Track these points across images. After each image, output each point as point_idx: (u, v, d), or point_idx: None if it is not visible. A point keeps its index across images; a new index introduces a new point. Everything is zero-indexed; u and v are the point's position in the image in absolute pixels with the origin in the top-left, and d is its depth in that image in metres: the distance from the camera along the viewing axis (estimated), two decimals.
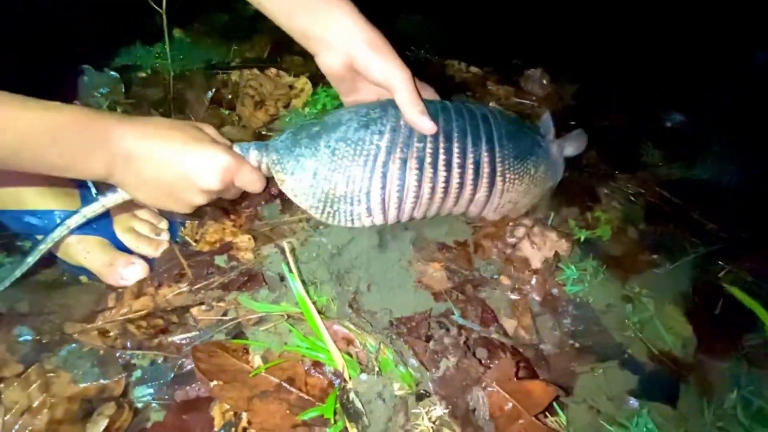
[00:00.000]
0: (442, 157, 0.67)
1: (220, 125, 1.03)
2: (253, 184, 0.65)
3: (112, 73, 1.05)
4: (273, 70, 1.29)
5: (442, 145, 0.67)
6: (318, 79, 1.38)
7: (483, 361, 0.59)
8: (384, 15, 1.97)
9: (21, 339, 0.55)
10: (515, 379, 0.55)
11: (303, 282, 0.70)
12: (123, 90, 1.04)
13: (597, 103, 1.37)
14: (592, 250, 0.85)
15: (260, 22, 1.78)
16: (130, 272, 0.68)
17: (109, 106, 1.01)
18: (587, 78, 1.50)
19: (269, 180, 0.72)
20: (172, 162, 0.57)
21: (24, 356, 0.54)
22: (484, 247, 0.80)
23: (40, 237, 0.62)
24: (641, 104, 1.37)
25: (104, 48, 1.36)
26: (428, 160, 0.66)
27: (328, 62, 0.66)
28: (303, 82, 1.23)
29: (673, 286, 0.80)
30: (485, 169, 0.70)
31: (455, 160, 0.68)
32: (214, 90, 1.06)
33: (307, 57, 1.54)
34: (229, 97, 1.11)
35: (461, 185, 0.70)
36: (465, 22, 1.96)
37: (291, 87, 1.23)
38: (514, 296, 0.74)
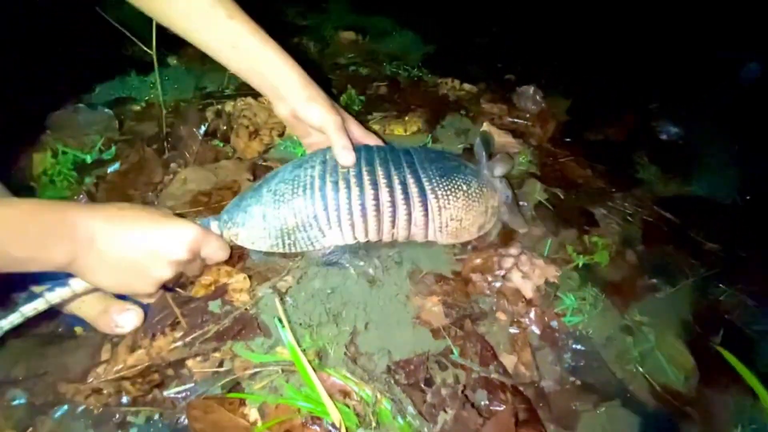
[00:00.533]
0: (366, 177, 0.72)
1: (214, 159, 1.02)
2: (218, 252, 0.70)
3: (106, 110, 1.05)
4: (266, 98, 1.29)
5: (365, 168, 0.72)
6: None
7: (482, 409, 0.58)
8: (377, 32, 1.97)
9: (15, 403, 0.54)
10: (514, 429, 0.54)
11: (300, 325, 0.69)
12: (117, 126, 1.04)
13: (591, 118, 1.36)
14: (591, 276, 0.84)
15: None
16: (125, 319, 0.67)
17: (104, 144, 1.00)
18: (580, 92, 1.49)
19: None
20: (140, 239, 0.60)
21: (18, 421, 0.53)
22: (473, 282, 0.79)
23: None
24: (636, 117, 1.36)
25: (99, 79, 1.37)
26: (353, 181, 0.72)
27: (280, 112, 0.78)
28: None
29: (674, 312, 0.79)
30: (413, 189, 0.74)
31: (380, 180, 0.72)
32: (207, 124, 1.05)
33: None
34: (224, 128, 1.11)
35: (392, 203, 0.73)
36: (457, 38, 1.96)
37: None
38: (513, 330, 0.73)
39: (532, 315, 0.74)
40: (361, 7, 2.10)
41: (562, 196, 1.02)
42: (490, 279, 0.79)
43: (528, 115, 1.31)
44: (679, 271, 0.87)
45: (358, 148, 0.74)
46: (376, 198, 0.72)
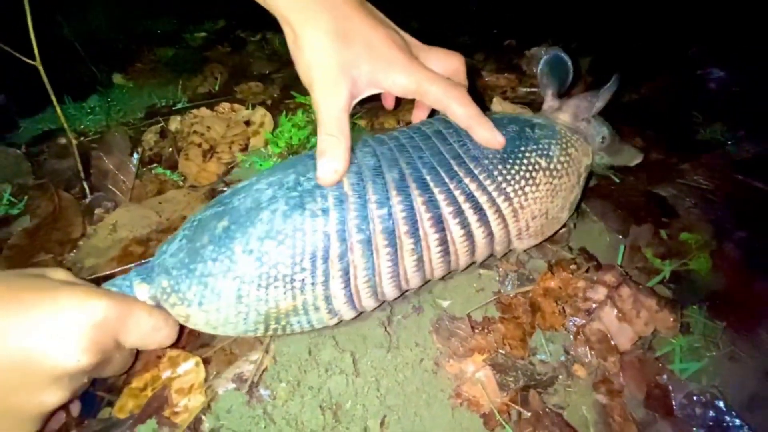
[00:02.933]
0: (425, 216, 0.45)
1: (158, 191, 0.77)
2: (155, 334, 0.41)
3: (11, 150, 0.79)
4: (225, 105, 1.02)
5: (417, 195, 0.45)
6: (280, 106, 1.12)
7: None
8: None
9: None
10: None
11: None
12: (30, 169, 0.78)
13: (619, 74, 1.09)
14: (688, 289, 0.58)
15: (211, 49, 1.52)
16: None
17: (15, 192, 0.75)
18: (599, 45, 1.21)
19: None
20: None
21: None
22: (544, 312, 0.53)
23: None
24: (674, 66, 1.08)
25: (27, 112, 1.11)
26: (403, 229, 0.44)
27: None
28: (261, 114, 0.96)
29: None
30: (480, 199, 0.48)
31: (445, 210, 0.46)
32: (141, 150, 0.79)
33: (267, 81, 1.27)
34: (169, 151, 0.85)
35: (468, 233, 0.48)
36: (443, 8, 1.68)
37: (248, 123, 0.96)
38: (600, 397, 0.47)
39: (625, 370, 0.48)
40: None
41: (616, 180, 0.75)
42: (568, 311, 0.52)
43: None
44: None
45: (375, 153, 0.48)
46: (443, 241, 0.47)
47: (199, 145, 0.86)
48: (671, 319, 0.49)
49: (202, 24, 1.62)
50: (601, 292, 0.51)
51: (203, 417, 0.45)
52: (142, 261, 0.62)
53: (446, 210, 0.46)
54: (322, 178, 0.43)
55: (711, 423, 0.43)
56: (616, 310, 0.49)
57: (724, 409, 0.43)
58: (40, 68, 0.65)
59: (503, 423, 0.45)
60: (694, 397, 0.44)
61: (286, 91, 1.18)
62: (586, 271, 0.54)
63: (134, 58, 1.42)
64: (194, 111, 0.98)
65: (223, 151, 0.87)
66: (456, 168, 0.47)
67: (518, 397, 0.47)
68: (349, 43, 0.43)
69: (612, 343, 0.48)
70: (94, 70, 1.28)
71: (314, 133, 0.93)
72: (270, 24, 1.74)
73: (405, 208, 0.45)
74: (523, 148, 0.50)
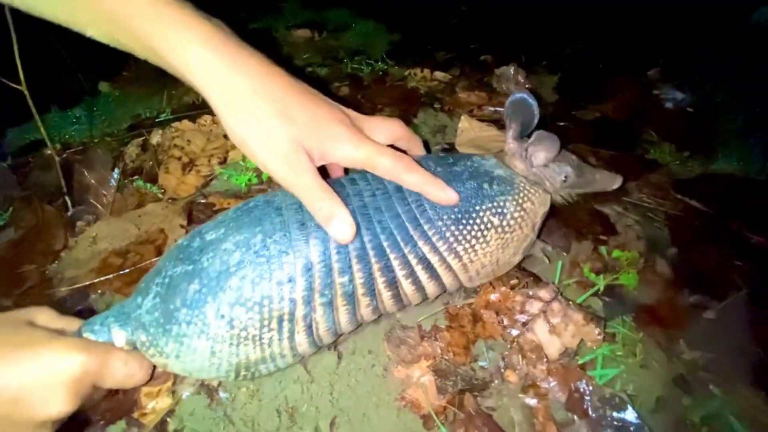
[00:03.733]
0: (380, 279, 0.50)
1: (138, 204, 0.81)
2: (129, 379, 0.45)
3: (0, 164, 0.83)
4: (207, 118, 1.06)
5: (374, 263, 0.49)
6: None
7: None
8: (335, 26, 1.73)
9: None
10: None
11: None
12: (15, 181, 0.82)
13: (583, 94, 1.15)
14: (618, 303, 0.63)
15: None
16: None
17: (0, 204, 0.79)
18: (566, 66, 1.27)
19: None
20: None
21: None
22: (485, 322, 0.59)
23: None
24: (633, 87, 1.14)
25: (13, 121, 1.14)
26: (360, 291, 0.49)
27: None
28: None
29: (732, 339, 0.59)
30: (432, 260, 0.51)
31: (400, 274, 0.50)
32: (122, 164, 0.83)
33: None
34: (150, 164, 0.89)
35: (419, 287, 0.53)
36: (424, 22, 1.73)
37: (227, 136, 1.01)
38: (529, 400, 0.53)
39: (551, 376, 0.54)
40: (316, 1, 1.86)
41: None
42: (506, 322, 0.58)
43: None
44: (726, 278, 0.67)
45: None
46: (395, 295, 0.52)
47: (179, 159, 0.90)
48: (596, 333, 0.54)
49: None
50: (535, 306, 0.57)
51: (168, 419, 0.50)
52: (120, 273, 0.66)
53: (399, 273, 0.50)
54: (344, 239, 0.46)
55: (618, 423, 0.49)
56: (547, 324, 0.54)
57: (631, 411, 0.49)
58: (26, 92, 0.69)
59: (439, 424, 0.50)
60: (607, 400, 0.50)
61: None
62: (524, 286, 0.60)
63: (121, 66, 1.45)
64: (176, 124, 1.02)
65: (202, 164, 0.91)
66: (412, 232, 0.50)
67: (455, 400, 0.53)
68: (293, 120, 0.45)
69: (542, 352, 0.54)
70: (81, 78, 1.31)
71: None
72: (256, 34, 1.78)
73: (363, 275, 0.48)
74: (477, 207, 0.52)
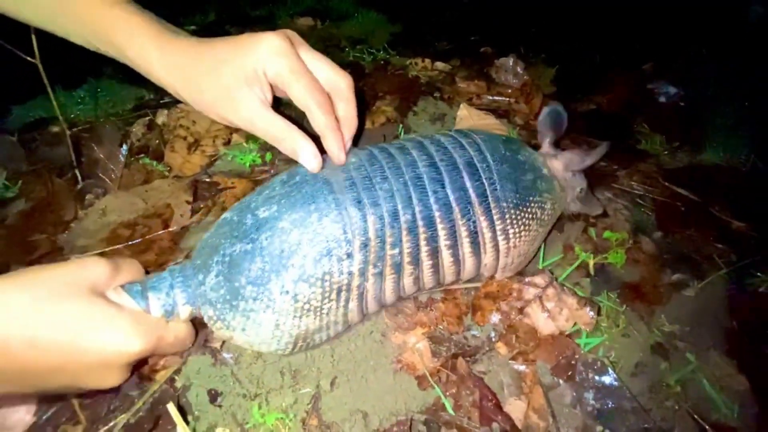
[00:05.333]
0: (424, 248, 0.52)
1: (145, 180, 0.83)
2: (177, 350, 0.50)
3: (7, 137, 0.85)
4: None
5: (422, 232, 0.51)
6: None
7: None
8: (338, 15, 1.74)
9: None
10: None
11: (244, 397, 0.52)
12: (23, 155, 0.84)
13: (579, 86, 1.18)
14: (605, 280, 0.67)
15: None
16: (13, 420, 0.49)
17: (9, 178, 0.81)
18: (564, 58, 1.30)
19: None
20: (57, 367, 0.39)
21: None
22: (483, 310, 0.61)
23: None
24: (629, 81, 1.18)
25: (19, 99, 1.16)
26: (407, 260, 0.52)
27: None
28: None
29: (710, 314, 0.62)
30: (485, 236, 0.55)
31: (443, 244, 0.53)
32: (130, 141, 0.85)
33: None
34: (156, 143, 0.91)
35: (456, 260, 0.55)
36: (426, 13, 1.75)
37: None
38: (517, 366, 0.57)
39: (539, 343, 0.57)
40: None
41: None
42: (504, 308, 0.61)
43: (510, 90, 1.13)
44: (707, 259, 0.71)
45: (401, 182, 0.50)
46: (435, 266, 0.54)
47: (185, 138, 0.92)
48: (589, 316, 0.58)
49: (192, 17, 1.66)
50: (531, 292, 0.60)
51: (175, 377, 0.53)
52: (129, 243, 0.69)
53: (443, 243, 0.53)
54: (313, 169, 0.49)
55: (599, 385, 0.52)
56: (542, 308, 0.58)
57: (612, 374, 0.53)
58: (40, 66, 0.71)
59: (433, 384, 0.54)
60: (590, 365, 0.54)
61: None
62: (521, 273, 0.63)
63: None
64: (181, 105, 1.04)
65: (207, 144, 0.94)
66: (477, 207, 0.52)
67: (448, 363, 0.56)
68: (228, 63, 0.47)
69: (536, 334, 0.57)
70: (85, 59, 1.33)
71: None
72: (258, 21, 1.79)
73: (411, 246, 0.51)
74: (531, 198, 0.56)
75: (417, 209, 0.50)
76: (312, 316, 0.49)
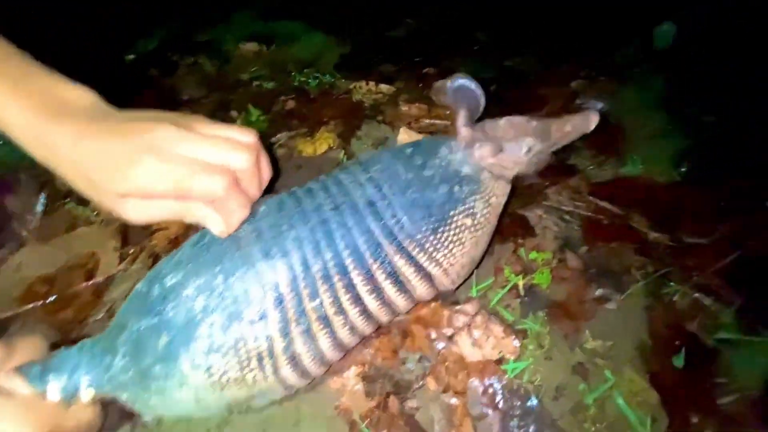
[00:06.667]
0: (344, 297, 0.49)
1: (69, 227, 0.78)
2: (84, 430, 0.45)
3: None
4: None
5: (337, 281, 0.48)
6: None
7: None
8: (285, 38, 1.73)
9: None
10: None
11: None
12: None
13: (514, 104, 1.22)
14: (533, 301, 0.69)
15: (140, 73, 1.50)
16: None
17: None
18: (500, 77, 1.35)
19: None
20: None
21: None
22: (414, 336, 0.61)
23: None
24: (560, 97, 1.23)
25: None
26: (331, 311, 0.48)
27: None
28: None
29: (629, 327, 0.65)
30: (406, 273, 0.51)
31: (363, 290, 0.50)
32: (51, 187, 0.80)
33: (196, 106, 1.29)
34: None
35: (384, 303, 0.52)
36: (373, 33, 1.77)
37: None
38: (448, 399, 0.57)
39: (468, 371, 0.58)
40: (268, 13, 1.86)
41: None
42: (434, 336, 0.60)
43: (448, 112, 1.15)
44: (627, 272, 0.74)
45: (305, 233, 0.47)
46: (364, 312, 0.51)
47: None
48: (513, 345, 0.59)
49: (132, 45, 1.60)
50: (461, 320, 0.61)
51: None
52: (46, 301, 0.64)
53: (363, 289, 0.49)
54: (222, 233, 0.45)
55: (523, 412, 0.53)
56: (470, 337, 0.58)
57: (534, 399, 0.54)
58: None
59: (363, 428, 0.53)
60: (514, 392, 0.55)
61: (214, 117, 1.21)
62: (453, 302, 0.64)
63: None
64: None
65: None
66: (386, 247, 0.49)
67: (381, 403, 0.55)
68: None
69: (464, 363, 0.57)
70: None
71: None
72: (203, 47, 1.75)
73: (331, 296, 0.48)
74: (452, 213, 0.52)
75: (327, 257, 0.47)
76: (236, 388, 0.45)
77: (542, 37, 1.50)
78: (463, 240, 0.53)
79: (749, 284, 0.68)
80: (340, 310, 0.49)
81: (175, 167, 0.43)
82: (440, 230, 0.51)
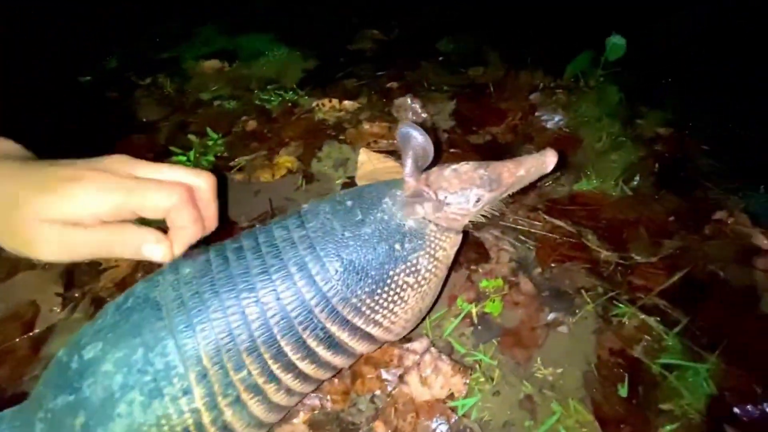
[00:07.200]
0: (275, 366, 0.46)
1: (9, 273, 0.74)
2: None
3: None
4: None
5: (264, 351, 0.45)
6: (163, 161, 1.11)
7: None
8: (249, 54, 1.68)
9: None
10: None
11: None
12: None
13: (476, 118, 1.22)
14: (487, 328, 0.68)
15: (98, 95, 1.43)
16: None
17: None
18: (462, 91, 1.34)
19: None
20: None
21: None
22: (364, 377, 0.59)
23: None
24: (517, 110, 1.23)
25: None
26: (261, 380, 0.46)
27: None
28: None
29: (579, 352, 0.65)
30: (341, 337, 0.49)
31: (294, 357, 0.47)
32: None
33: (153, 130, 1.24)
34: None
35: (321, 364, 0.50)
36: (338, 47, 1.74)
37: None
38: None
39: (417, 411, 0.57)
40: (232, 28, 1.81)
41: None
42: (384, 377, 0.59)
43: None
44: (578, 294, 0.74)
45: (214, 311, 0.44)
46: (300, 375, 0.48)
47: None
48: (461, 383, 0.58)
49: (89, 67, 1.53)
50: (410, 359, 0.59)
51: None
52: None
53: (294, 357, 0.47)
54: (163, 258, 0.45)
55: None
56: (419, 376, 0.57)
57: None
58: None
59: None
60: (461, 430, 0.54)
61: (172, 141, 1.17)
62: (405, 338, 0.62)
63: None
64: None
65: None
66: (317, 314, 0.47)
67: None
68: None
69: (414, 404, 0.56)
70: None
71: None
72: (163, 66, 1.69)
73: (259, 366, 0.45)
74: (391, 272, 0.49)
75: (253, 327, 0.44)
76: None
77: (503, 47, 1.50)
78: (405, 298, 0.50)
79: (694, 303, 0.69)
80: (272, 378, 0.46)
81: (123, 181, 0.42)
82: (378, 292, 0.48)
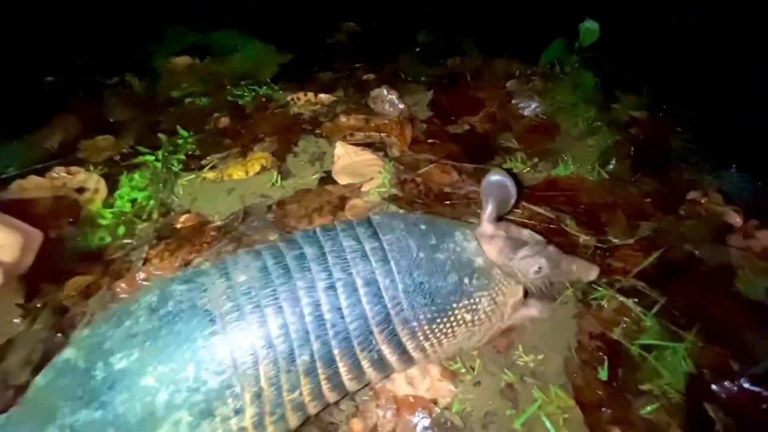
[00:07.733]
0: (325, 386, 0.45)
1: None
2: None
3: None
4: (60, 170, 0.94)
5: (321, 372, 0.44)
6: (129, 159, 1.05)
7: None
8: (222, 49, 1.62)
9: None
10: None
11: None
12: None
13: (453, 108, 1.20)
14: None
15: (66, 96, 1.35)
16: None
17: None
18: (440, 80, 1.32)
19: None
20: None
21: None
22: None
23: None
24: (495, 98, 1.22)
25: None
26: (308, 399, 0.44)
27: None
28: (95, 180, 0.91)
29: (560, 336, 0.63)
30: (389, 360, 0.48)
31: (346, 378, 0.46)
32: None
33: (121, 130, 1.18)
34: None
35: (362, 382, 0.49)
36: (314, 39, 1.69)
37: (81, 190, 0.90)
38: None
39: (399, 407, 0.54)
40: (204, 23, 1.74)
41: None
42: None
43: (386, 122, 1.11)
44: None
45: (277, 333, 0.42)
46: (342, 393, 0.48)
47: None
48: (448, 390, 0.56)
49: (56, 66, 1.45)
50: None
51: None
52: None
53: (346, 378, 0.46)
54: None
55: None
56: (405, 375, 0.55)
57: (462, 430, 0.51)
58: None
59: None
60: (442, 425, 0.52)
61: (141, 140, 1.12)
62: None
63: None
64: (20, 181, 0.90)
65: (51, 226, 0.81)
66: (377, 335, 0.45)
67: None
68: None
69: (396, 402, 0.54)
70: None
71: (155, 196, 0.89)
72: (131, 64, 1.61)
73: (312, 386, 0.44)
74: (454, 305, 0.48)
75: (315, 347, 0.42)
76: None
77: (480, 35, 1.48)
78: (456, 333, 0.50)
79: (671, 283, 0.68)
80: (318, 396, 0.45)
81: None
82: (437, 321, 0.48)
